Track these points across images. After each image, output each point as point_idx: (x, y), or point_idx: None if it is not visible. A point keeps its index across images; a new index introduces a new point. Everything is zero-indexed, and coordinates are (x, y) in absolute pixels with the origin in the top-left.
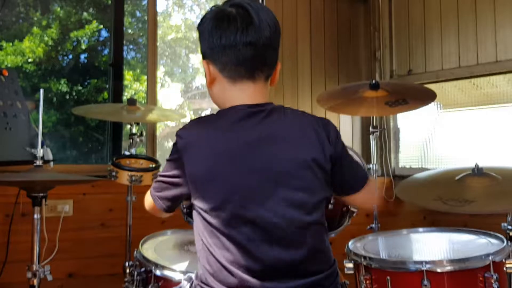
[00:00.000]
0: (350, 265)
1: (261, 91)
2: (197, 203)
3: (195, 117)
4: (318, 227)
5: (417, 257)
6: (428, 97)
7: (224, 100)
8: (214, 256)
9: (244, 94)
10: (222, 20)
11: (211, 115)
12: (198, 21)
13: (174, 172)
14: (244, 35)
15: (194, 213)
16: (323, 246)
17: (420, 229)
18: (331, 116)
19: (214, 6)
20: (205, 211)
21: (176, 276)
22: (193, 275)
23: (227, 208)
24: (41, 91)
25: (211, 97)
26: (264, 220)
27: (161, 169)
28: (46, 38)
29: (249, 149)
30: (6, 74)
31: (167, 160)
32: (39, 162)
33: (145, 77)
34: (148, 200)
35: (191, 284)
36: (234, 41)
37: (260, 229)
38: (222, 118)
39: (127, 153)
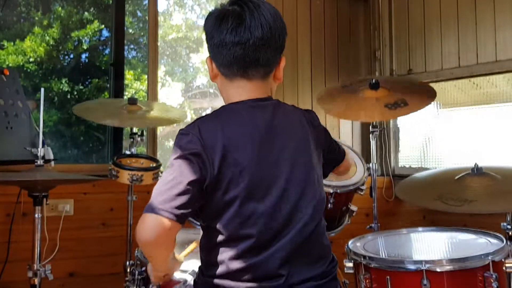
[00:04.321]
0: (350, 264)
1: (259, 87)
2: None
3: (197, 117)
4: None
5: (416, 256)
6: (428, 95)
7: (224, 95)
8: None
9: (241, 90)
10: (218, 20)
11: (217, 112)
12: (199, 20)
13: (195, 169)
14: (233, 34)
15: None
16: None
17: (420, 229)
18: (332, 118)
19: (221, 4)
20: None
21: (176, 275)
22: (197, 270)
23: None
24: (42, 90)
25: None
26: None
27: (161, 170)
28: (47, 38)
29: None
30: (7, 73)
31: (178, 158)
32: (40, 162)
33: (145, 77)
34: (148, 223)
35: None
36: (224, 40)
37: None
38: (234, 113)
39: (127, 152)
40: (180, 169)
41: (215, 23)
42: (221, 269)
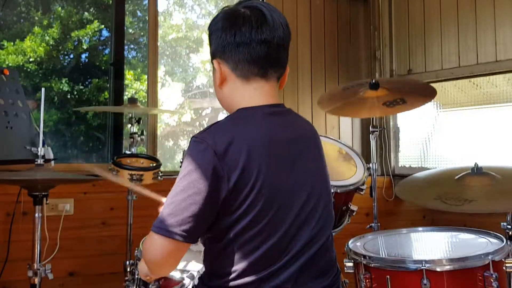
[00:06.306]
0: (350, 264)
1: (274, 89)
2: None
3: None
4: None
5: (416, 256)
6: (428, 94)
7: (235, 101)
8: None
9: (258, 93)
10: (236, 19)
11: (234, 117)
12: (199, 20)
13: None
14: (258, 32)
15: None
16: None
17: (420, 228)
18: (332, 116)
19: (225, 7)
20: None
21: (176, 275)
22: (195, 273)
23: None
24: (42, 90)
25: (220, 98)
26: None
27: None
28: (47, 38)
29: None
30: (7, 73)
31: (192, 172)
32: (40, 161)
33: (145, 77)
34: (160, 245)
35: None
36: (249, 39)
37: None
38: (252, 119)
39: (127, 152)
40: (195, 186)
41: (233, 22)
42: (226, 281)
